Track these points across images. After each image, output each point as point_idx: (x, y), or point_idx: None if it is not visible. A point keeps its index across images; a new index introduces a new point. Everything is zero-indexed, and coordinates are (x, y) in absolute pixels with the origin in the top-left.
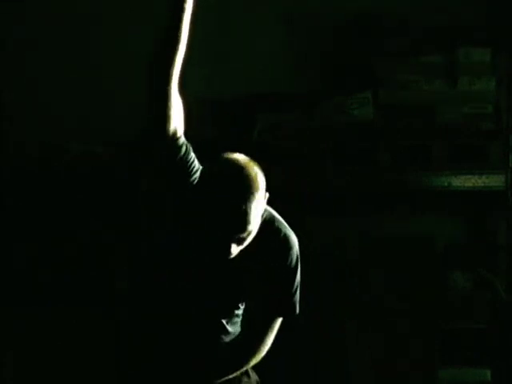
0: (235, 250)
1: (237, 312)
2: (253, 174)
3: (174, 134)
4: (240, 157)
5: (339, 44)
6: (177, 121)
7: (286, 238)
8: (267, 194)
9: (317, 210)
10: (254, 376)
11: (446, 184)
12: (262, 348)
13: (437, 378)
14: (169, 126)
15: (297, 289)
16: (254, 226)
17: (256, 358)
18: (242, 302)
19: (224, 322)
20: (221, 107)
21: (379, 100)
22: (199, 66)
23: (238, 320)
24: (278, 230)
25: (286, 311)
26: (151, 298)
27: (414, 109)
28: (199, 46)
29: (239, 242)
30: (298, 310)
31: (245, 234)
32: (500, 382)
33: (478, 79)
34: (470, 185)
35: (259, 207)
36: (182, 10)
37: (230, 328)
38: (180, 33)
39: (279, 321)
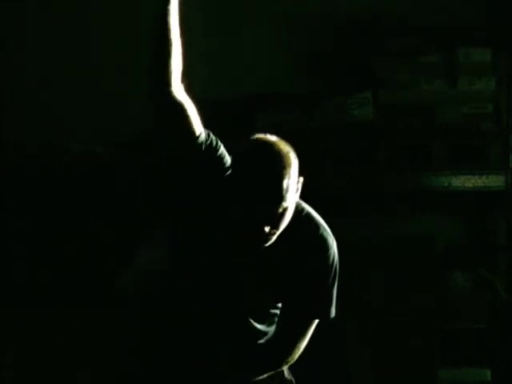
0: (270, 235)
1: (272, 311)
2: (284, 150)
3: (189, 133)
4: (270, 136)
5: (339, 44)
6: (188, 119)
7: (324, 239)
8: (301, 179)
9: (316, 209)
10: (288, 376)
11: (445, 184)
12: (296, 350)
13: (437, 378)
14: (180, 126)
15: (333, 291)
16: (288, 203)
17: (289, 360)
18: (277, 301)
19: (259, 322)
20: (221, 107)
21: (379, 100)
22: (199, 66)
23: (274, 320)
24: (315, 229)
25: (322, 314)
26: (183, 298)
27: (414, 109)
28: (199, 45)
29: (273, 223)
30: (333, 313)
31: (279, 209)
32: (500, 382)
33: (478, 79)
34: (470, 185)
35: (292, 184)
36: (166, 12)
37: (265, 328)
38: (169, 34)
39: (314, 323)
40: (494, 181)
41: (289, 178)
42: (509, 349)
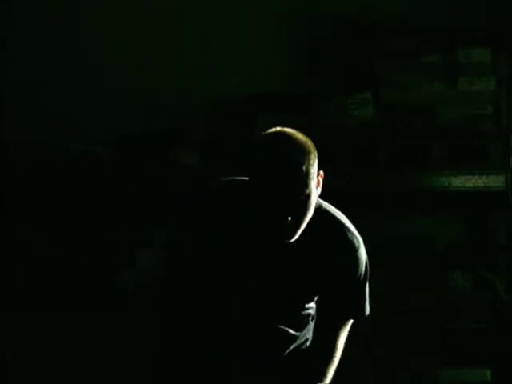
0: (294, 228)
1: (303, 313)
2: (303, 138)
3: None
4: (285, 128)
5: (339, 44)
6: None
7: (349, 236)
8: (322, 173)
9: None
10: None
11: (446, 184)
12: (336, 354)
13: (437, 378)
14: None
15: (365, 288)
16: (309, 190)
17: (332, 366)
18: (306, 301)
19: (288, 325)
20: (221, 107)
21: (379, 100)
22: (199, 67)
23: (305, 323)
24: (339, 226)
25: (355, 313)
26: (210, 302)
27: (414, 109)
28: (199, 45)
29: (295, 212)
30: (368, 311)
31: (301, 197)
32: (500, 382)
33: (478, 79)
34: (470, 185)
35: (313, 171)
36: None
37: (294, 332)
38: None
39: (349, 323)
40: (494, 181)
41: (308, 163)
42: (509, 349)
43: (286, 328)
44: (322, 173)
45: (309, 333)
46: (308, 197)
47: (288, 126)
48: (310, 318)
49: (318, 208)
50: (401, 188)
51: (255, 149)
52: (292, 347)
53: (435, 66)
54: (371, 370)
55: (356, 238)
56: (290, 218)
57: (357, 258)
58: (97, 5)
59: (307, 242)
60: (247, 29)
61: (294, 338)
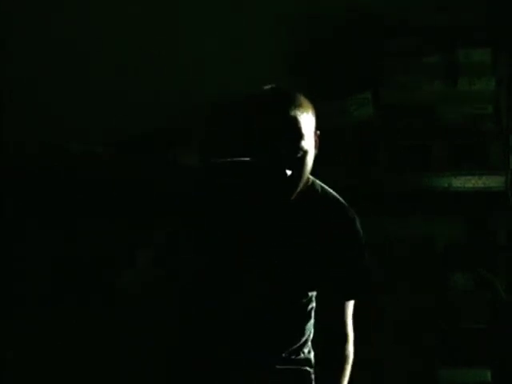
0: (293, 184)
1: (303, 301)
2: (298, 94)
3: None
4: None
5: (339, 44)
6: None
7: (348, 211)
8: (319, 133)
9: None
10: None
11: (446, 184)
12: (347, 352)
13: (437, 378)
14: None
15: (366, 263)
16: (306, 145)
17: (348, 363)
18: (307, 289)
19: (287, 312)
20: (221, 108)
21: (379, 100)
22: (199, 67)
23: (306, 319)
24: (337, 203)
25: (360, 289)
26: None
27: (414, 109)
28: (199, 45)
29: (294, 166)
30: (370, 288)
31: (299, 151)
32: (500, 382)
33: (478, 79)
34: (470, 185)
35: (309, 125)
36: None
37: (294, 329)
38: None
39: (351, 306)
40: (494, 181)
41: (304, 116)
42: (509, 349)
43: (285, 325)
44: (318, 133)
45: (310, 329)
46: (306, 153)
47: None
48: (311, 313)
49: (313, 182)
50: (401, 188)
51: (254, 102)
52: (294, 346)
53: (435, 66)
54: (371, 370)
55: (352, 211)
56: (289, 173)
57: (356, 231)
58: (97, 5)
59: (306, 217)
60: (247, 29)
61: (295, 336)
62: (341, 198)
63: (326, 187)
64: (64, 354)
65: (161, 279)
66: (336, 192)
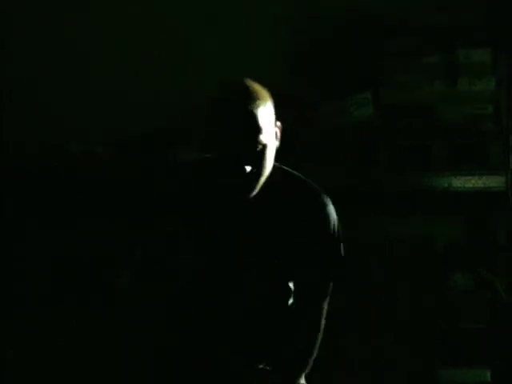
0: (253, 179)
1: (282, 293)
2: (255, 86)
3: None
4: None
5: (339, 44)
6: None
7: (317, 193)
8: (279, 124)
9: None
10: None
11: (446, 184)
12: (316, 334)
13: (437, 378)
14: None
15: (340, 249)
16: (265, 139)
17: (315, 347)
18: (284, 276)
19: (262, 301)
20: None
21: (379, 100)
22: (199, 67)
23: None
24: (305, 186)
25: (332, 274)
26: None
27: (414, 109)
28: (199, 45)
29: (253, 161)
30: (346, 275)
31: (257, 145)
32: (500, 382)
33: (478, 79)
34: (470, 185)
35: (268, 118)
36: None
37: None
38: None
39: (327, 291)
40: (494, 181)
41: (261, 110)
42: (509, 349)
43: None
44: (279, 124)
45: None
46: (265, 146)
47: (288, 126)
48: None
49: (278, 168)
50: (401, 188)
51: (210, 101)
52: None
53: (435, 66)
54: (371, 370)
55: (323, 194)
56: (248, 169)
57: (327, 214)
58: (97, 5)
59: (273, 205)
60: (247, 29)
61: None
62: (308, 181)
63: (293, 171)
64: (64, 354)
65: (161, 279)
66: (336, 192)
